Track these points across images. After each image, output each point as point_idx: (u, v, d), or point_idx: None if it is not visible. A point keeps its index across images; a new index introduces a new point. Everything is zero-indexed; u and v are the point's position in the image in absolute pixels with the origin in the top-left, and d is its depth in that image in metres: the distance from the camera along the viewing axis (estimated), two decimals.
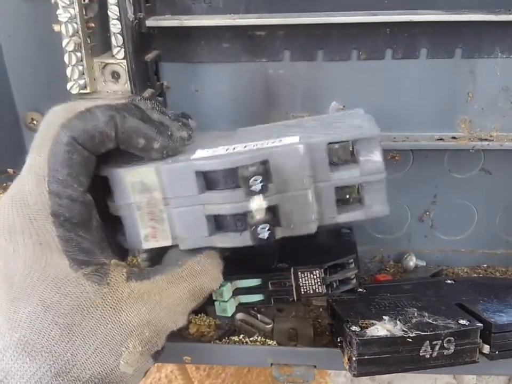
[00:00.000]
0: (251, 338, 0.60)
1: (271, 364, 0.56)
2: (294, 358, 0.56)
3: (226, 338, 0.61)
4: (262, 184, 0.40)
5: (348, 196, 0.46)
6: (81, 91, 0.56)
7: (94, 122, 0.41)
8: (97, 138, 0.41)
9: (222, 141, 0.47)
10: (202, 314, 0.64)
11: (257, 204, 0.40)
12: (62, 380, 0.37)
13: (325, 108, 0.66)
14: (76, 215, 0.40)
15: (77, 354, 0.38)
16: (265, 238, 0.41)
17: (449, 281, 0.62)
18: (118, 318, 0.40)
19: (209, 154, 0.44)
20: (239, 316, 0.65)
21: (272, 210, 0.42)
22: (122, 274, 0.41)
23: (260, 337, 0.60)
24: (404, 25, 0.59)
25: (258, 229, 0.41)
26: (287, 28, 0.61)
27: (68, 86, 0.55)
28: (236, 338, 0.60)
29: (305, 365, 0.56)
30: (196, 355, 0.59)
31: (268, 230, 0.41)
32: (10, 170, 0.71)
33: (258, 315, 0.65)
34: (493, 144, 0.65)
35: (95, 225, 0.43)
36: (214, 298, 0.61)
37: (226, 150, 0.44)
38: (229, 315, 0.61)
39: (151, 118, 0.44)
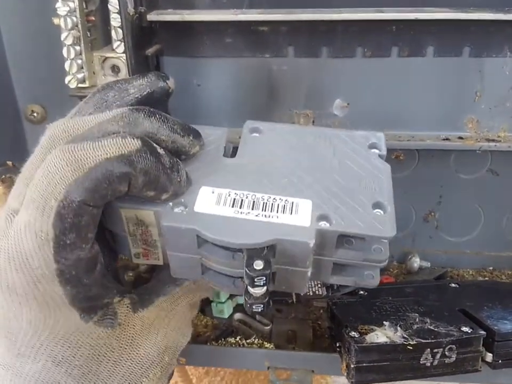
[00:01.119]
0: (248, 341, 0.59)
1: (268, 368, 0.55)
2: (291, 362, 0.55)
3: (223, 339, 0.60)
4: (264, 282, 0.38)
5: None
6: (80, 85, 0.55)
7: (105, 182, 0.35)
8: (109, 196, 0.36)
9: (231, 176, 0.44)
10: (200, 313, 0.64)
11: (257, 292, 0.38)
12: None
13: (329, 106, 0.64)
14: (83, 269, 0.37)
15: None
16: (259, 311, 0.40)
17: (453, 285, 0.61)
18: (137, 353, 0.40)
19: (214, 211, 0.40)
20: (237, 316, 0.64)
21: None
22: (128, 308, 0.40)
23: (257, 339, 0.59)
24: (410, 23, 0.57)
25: (254, 306, 0.39)
26: (291, 24, 0.59)
27: (66, 80, 0.54)
28: (232, 340, 0.59)
29: (303, 369, 0.55)
30: (191, 357, 0.58)
31: (263, 306, 0.39)
32: (9, 163, 0.70)
33: (257, 316, 0.64)
34: (501, 145, 0.63)
35: (99, 266, 0.40)
36: (211, 299, 0.60)
37: (234, 211, 0.41)
38: (226, 316, 0.60)
39: (164, 165, 0.38)
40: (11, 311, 0.37)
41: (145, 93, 0.41)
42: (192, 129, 0.42)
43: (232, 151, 0.49)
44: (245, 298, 0.39)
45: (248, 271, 0.37)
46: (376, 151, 0.49)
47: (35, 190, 0.35)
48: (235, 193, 0.42)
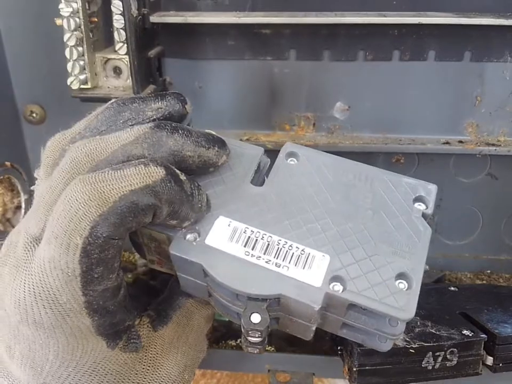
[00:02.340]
0: None
1: (269, 370, 0.55)
2: (292, 364, 0.56)
3: (223, 342, 0.60)
4: (259, 335, 0.37)
5: None
6: (82, 86, 0.55)
7: (131, 216, 0.34)
8: (134, 227, 0.35)
9: (252, 209, 0.41)
10: None
11: (253, 340, 0.37)
12: None
13: (329, 109, 0.65)
14: (109, 298, 0.37)
15: None
16: (254, 353, 0.39)
17: (452, 288, 0.61)
18: (159, 373, 0.40)
19: (225, 248, 0.39)
20: None
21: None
22: (149, 327, 0.40)
23: None
24: (412, 27, 0.58)
25: (249, 349, 0.39)
26: (293, 27, 0.60)
27: (68, 81, 0.54)
28: (233, 342, 0.59)
29: (303, 372, 0.55)
30: None
31: (258, 350, 0.39)
32: (7, 163, 0.70)
33: None
34: (500, 150, 0.63)
35: (123, 290, 0.39)
36: None
37: (245, 252, 0.39)
38: (226, 319, 0.60)
39: (187, 192, 0.37)
40: (37, 344, 0.36)
41: (162, 116, 0.39)
42: (216, 139, 0.40)
43: (266, 171, 0.45)
44: (241, 339, 0.39)
45: (244, 323, 0.36)
46: (422, 207, 0.43)
47: (57, 225, 0.33)
48: (251, 231, 0.39)
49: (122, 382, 0.38)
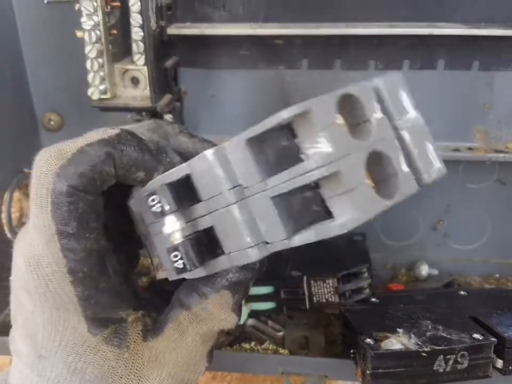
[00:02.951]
0: (262, 346, 0.60)
1: (282, 373, 0.56)
2: (305, 367, 0.56)
3: (237, 345, 0.61)
4: (160, 205, 0.34)
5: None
6: (102, 96, 0.57)
7: (90, 164, 0.35)
8: (98, 180, 0.35)
9: None
10: None
11: (170, 227, 0.34)
12: None
13: None
14: (94, 266, 0.36)
15: None
16: (180, 268, 0.34)
17: (462, 293, 0.62)
18: None
19: None
20: (250, 322, 0.65)
21: (207, 234, 0.35)
22: (139, 334, 0.39)
23: (271, 345, 0.61)
24: (422, 37, 0.59)
25: (171, 256, 0.34)
26: (306, 37, 0.61)
27: (89, 92, 0.55)
28: (247, 345, 0.61)
29: (317, 374, 0.56)
30: None
31: (181, 259, 0.34)
32: (26, 170, 0.71)
33: (269, 321, 0.65)
34: (509, 157, 0.65)
35: (112, 269, 0.39)
36: (228, 327, 0.61)
37: None
38: (241, 322, 0.61)
39: (148, 146, 0.38)
40: (29, 312, 0.37)
41: None
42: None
43: None
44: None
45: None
46: None
47: (31, 188, 0.35)
48: None
49: (106, 379, 0.37)
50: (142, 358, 0.38)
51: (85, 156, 0.35)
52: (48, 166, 0.35)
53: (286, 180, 0.30)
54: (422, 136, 0.35)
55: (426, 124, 0.65)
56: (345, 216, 0.29)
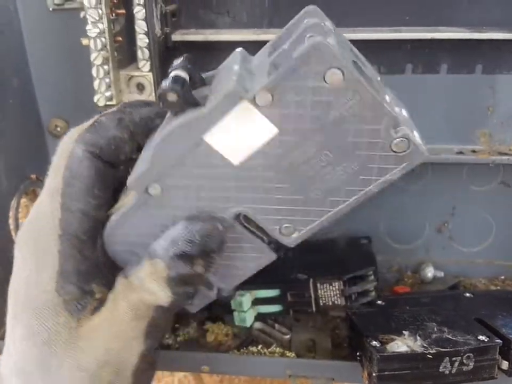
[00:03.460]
0: (269, 349, 0.61)
1: (289, 376, 0.57)
2: (312, 370, 0.57)
3: (245, 348, 0.61)
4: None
5: None
6: (108, 103, 0.57)
7: (104, 130, 0.39)
8: (112, 145, 0.39)
9: None
10: (220, 322, 0.65)
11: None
12: None
13: None
14: (86, 231, 0.38)
15: None
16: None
17: (467, 295, 0.62)
18: (78, 358, 0.37)
19: None
20: (257, 325, 0.65)
21: None
22: (93, 306, 0.38)
23: (278, 348, 0.61)
24: (425, 42, 0.59)
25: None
26: None
27: (95, 99, 0.56)
28: (254, 349, 0.61)
29: (324, 377, 0.56)
30: (214, 365, 0.59)
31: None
32: (33, 176, 0.72)
33: (276, 325, 0.66)
34: None
35: (101, 243, 0.40)
36: (233, 308, 0.62)
37: None
38: (248, 325, 0.62)
39: (153, 102, 0.43)
40: (18, 267, 0.39)
41: None
42: None
43: None
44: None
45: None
46: None
47: (54, 158, 0.40)
48: None
49: (50, 345, 0.36)
50: (83, 329, 0.37)
51: (100, 124, 0.40)
52: (70, 136, 0.40)
53: None
54: None
55: (431, 127, 0.65)
56: None
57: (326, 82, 0.33)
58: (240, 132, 0.35)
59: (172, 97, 0.35)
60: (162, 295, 0.37)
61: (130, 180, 0.38)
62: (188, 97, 0.35)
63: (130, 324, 0.38)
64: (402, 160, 0.35)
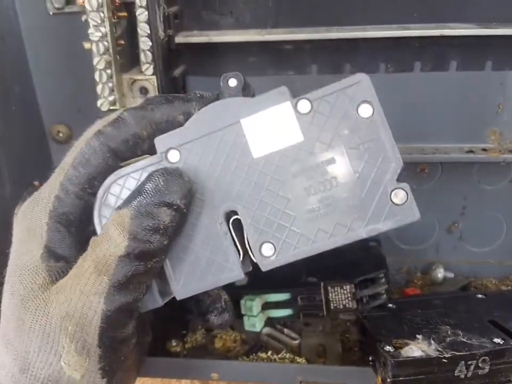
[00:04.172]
0: (279, 355, 0.60)
1: (300, 382, 0.56)
2: (324, 376, 0.56)
3: (254, 354, 0.60)
4: None
5: None
6: (111, 107, 0.56)
7: (125, 126, 0.40)
8: (131, 141, 0.40)
9: None
10: (229, 328, 0.64)
11: None
12: (25, 378, 0.37)
13: None
14: (76, 213, 0.40)
15: (28, 352, 0.37)
16: None
17: (479, 296, 0.61)
18: (48, 311, 0.38)
19: None
20: (266, 330, 0.65)
21: None
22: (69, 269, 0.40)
23: (288, 354, 0.60)
24: (433, 39, 0.58)
25: None
26: (315, 42, 0.60)
27: (98, 104, 0.55)
28: (263, 355, 0.60)
29: (335, 382, 0.55)
30: (223, 372, 0.58)
31: None
32: (36, 183, 0.71)
33: (285, 329, 0.65)
34: None
35: (92, 226, 0.41)
36: (243, 312, 0.61)
37: None
38: (258, 330, 0.61)
39: (173, 96, 0.42)
40: (14, 239, 0.41)
41: None
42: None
43: None
44: None
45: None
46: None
47: (74, 145, 0.42)
48: None
49: (25, 303, 0.38)
50: (54, 286, 0.38)
51: (123, 120, 0.40)
52: (93, 126, 0.41)
53: None
54: None
55: (440, 125, 0.64)
56: None
57: (357, 111, 0.37)
58: (272, 129, 0.37)
59: (233, 82, 0.40)
60: (123, 244, 0.37)
61: (158, 137, 0.39)
62: (246, 86, 0.40)
63: (91, 278, 0.38)
64: (396, 213, 0.37)
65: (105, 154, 0.40)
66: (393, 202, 0.36)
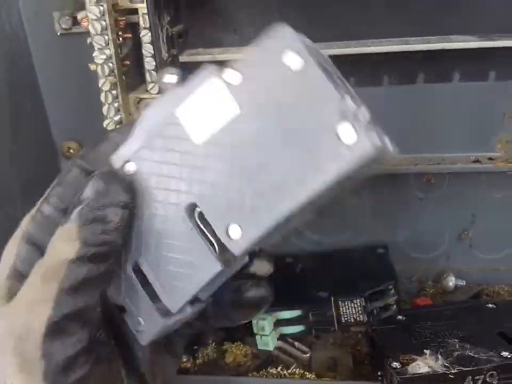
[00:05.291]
0: (289, 371, 0.60)
1: None
2: None
3: (264, 370, 0.61)
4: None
5: None
6: (117, 127, 0.57)
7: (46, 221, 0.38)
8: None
9: None
10: (239, 342, 0.65)
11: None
12: None
13: None
14: (43, 235, 0.38)
15: None
16: None
17: (490, 305, 0.61)
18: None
19: None
20: (277, 344, 0.65)
21: None
22: None
23: (298, 369, 0.60)
24: (437, 51, 0.58)
25: None
26: None
27: (105, 124, 0.56)
28: (274, 370, 0.60)
29: None
30: None
31: None
32: None
33: (296, 343, 0.65)
34: None
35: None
36: (255, 332, 0.61)
37: None
38: (271, 348, 0.61)
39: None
40: None
41: None
42: None
43: None
44: None
45: None
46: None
47: None
48: None
49: None
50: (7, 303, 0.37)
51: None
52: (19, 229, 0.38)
53: None
54: None
55: (446, 136, 0.64)
56: None
57: (286, 64, 0.31)
58: (206, 110, 0.34)
59: (168, 78, 0.36)
60: (72, 248, 0.35)
61: (112, 157, 0.37)
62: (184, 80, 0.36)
63: (39, 286, 0.36)
64: (352, 153, 0.30)
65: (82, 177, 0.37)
66: (343, 142, 0.31)
